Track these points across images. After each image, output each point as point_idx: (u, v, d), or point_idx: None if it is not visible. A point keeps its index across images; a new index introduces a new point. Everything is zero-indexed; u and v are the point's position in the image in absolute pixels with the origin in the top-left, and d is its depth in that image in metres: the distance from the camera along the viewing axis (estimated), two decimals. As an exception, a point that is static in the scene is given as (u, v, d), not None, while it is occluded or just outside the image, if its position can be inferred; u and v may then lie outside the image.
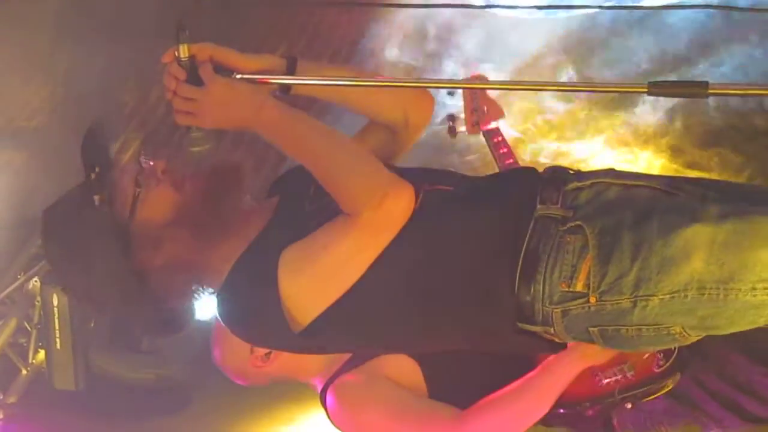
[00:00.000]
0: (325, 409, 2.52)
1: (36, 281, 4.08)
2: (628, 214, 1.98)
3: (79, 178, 2.13)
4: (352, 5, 5.49)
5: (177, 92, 1.96)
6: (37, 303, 4.07)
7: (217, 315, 2.17)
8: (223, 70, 1.98)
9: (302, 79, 2.10)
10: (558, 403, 2.35)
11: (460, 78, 4.16)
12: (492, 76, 4.03)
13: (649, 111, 4.57)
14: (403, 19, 5.29)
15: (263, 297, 2.03)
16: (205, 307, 2.22)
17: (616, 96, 4.56)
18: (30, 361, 4.16)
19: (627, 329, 1.98)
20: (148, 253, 2.06)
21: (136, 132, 4.87)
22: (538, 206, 2.05)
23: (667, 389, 2.41)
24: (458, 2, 5.20)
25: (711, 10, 4.81)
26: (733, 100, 4.39)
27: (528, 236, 2.01)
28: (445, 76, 4.87)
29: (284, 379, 2.64)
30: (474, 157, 4.37)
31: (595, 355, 2.34)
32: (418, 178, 2.08)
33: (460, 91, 3.60)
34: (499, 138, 3.27)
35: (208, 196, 2.10)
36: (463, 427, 2.36)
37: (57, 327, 3.95)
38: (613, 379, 2.40)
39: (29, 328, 4.17)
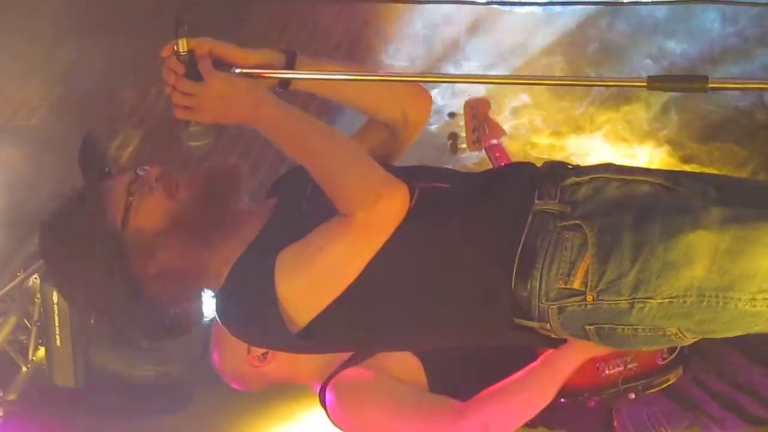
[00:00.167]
0: (324, 407, 2.51)
1: (36, 278, 4.07)
2: (628, 213, 1.97)
3: (77, 176, 2.14)
4: (352, 0, 5.49)
5: (176, 87, 1.95)
6: (36, 300, 4.06)
7: (216, 316, 2.16)
8: (223, 65, 1.97)
9: (302, 73, 2.09)
10: (560, 394, 2.34)
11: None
12: (492, 72, 4.03)
13: (647, 106, 4.57)
14: (403, 14, 5.29)
15: (261, 299, 2.02)
16: (206, 305, 2.21)
17: (615, 91, 4.56)
18: (30, 358, 4.15)
19: (623, 328, 1.98)
20: (142, 261, 2.06)
21: (135, 129, 4.88)
22: (536, 201, 2.04)
23: (669, 383, 2.40)
24: (458, -1, 5.21)
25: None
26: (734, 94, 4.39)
27: (525, 231, 2.00)
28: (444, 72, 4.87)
29: (282, 381, 2.63)
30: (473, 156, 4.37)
31: (598, 347, 2.33)
32: (414, 176, 2.07)
33: (461, 111, 3.60)
34: (500, 153, 3.27)
35: (205, 200, 2.10)
36: (464, 420, 2.34)
37: (57, 324, 3.94)
38: (616, 370, 2.39)
39: (29, 326, 4.15)
